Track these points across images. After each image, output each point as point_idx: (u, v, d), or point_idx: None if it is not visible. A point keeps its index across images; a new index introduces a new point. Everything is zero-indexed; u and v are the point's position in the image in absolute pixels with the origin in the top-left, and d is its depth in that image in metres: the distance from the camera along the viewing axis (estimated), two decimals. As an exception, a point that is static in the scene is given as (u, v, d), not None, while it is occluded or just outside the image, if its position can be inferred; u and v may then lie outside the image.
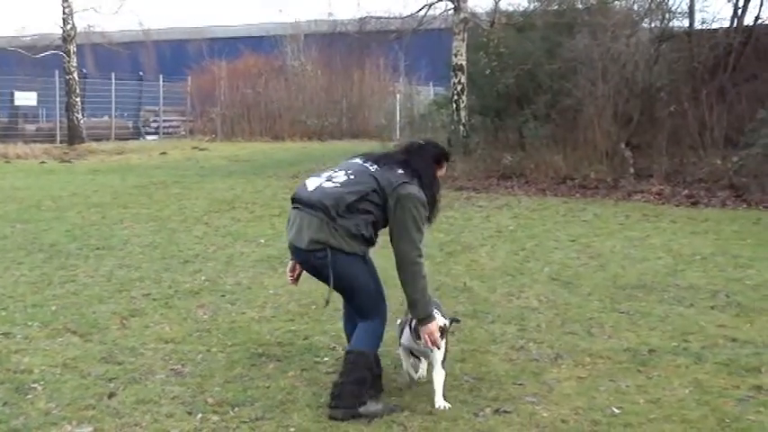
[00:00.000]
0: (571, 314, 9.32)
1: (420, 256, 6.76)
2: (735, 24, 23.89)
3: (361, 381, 6.44)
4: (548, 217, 16.84)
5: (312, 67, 45.12)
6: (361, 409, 6.29)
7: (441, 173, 6.99)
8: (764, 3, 24.20)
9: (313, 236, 6.55)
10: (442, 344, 6.59)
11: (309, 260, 6.83)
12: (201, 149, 36.10)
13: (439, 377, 6.60)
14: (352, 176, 6.66)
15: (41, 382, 6.98)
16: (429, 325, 6.57)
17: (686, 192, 19.51)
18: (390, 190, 6.58)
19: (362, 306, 6.98)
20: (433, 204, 6.82)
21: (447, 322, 6.80)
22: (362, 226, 6.66)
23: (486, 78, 24.21)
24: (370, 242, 6.85)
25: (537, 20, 24.88)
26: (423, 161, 6.89)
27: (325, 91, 44.61)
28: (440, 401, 6.47)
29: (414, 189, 6.64)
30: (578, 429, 6.06)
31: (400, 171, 6.71)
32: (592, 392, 6.83)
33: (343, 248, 6.62)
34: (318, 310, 9.41)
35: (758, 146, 19.31)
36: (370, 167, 6.71)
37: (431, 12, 25.63)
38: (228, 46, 50.20)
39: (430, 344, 6.56)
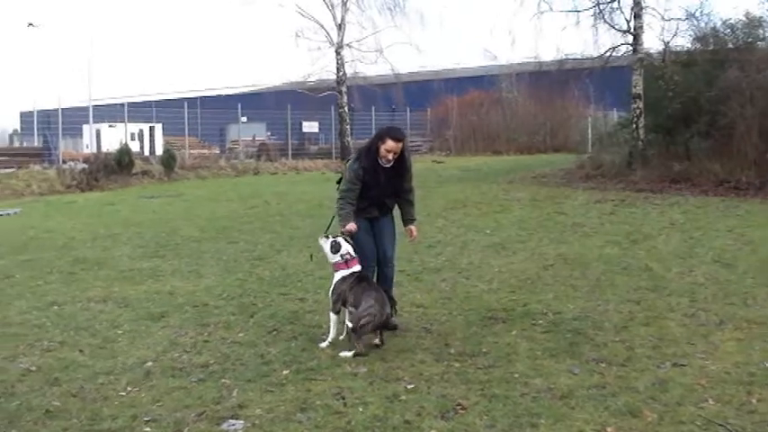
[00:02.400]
0: (731, 289, 9.00)
1: (340, 198, 7.53)
2: None
3: None
4: (709, 212, 16.26)
5: (522, 97, 44.77)
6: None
7: (386, 146, 7.30)
8: None
9: None
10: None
11: None
12: (439, 162, 36.27)
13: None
14: None
15: (328, 334, 7.16)
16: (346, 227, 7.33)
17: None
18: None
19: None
20: (371, 166, 7.39)
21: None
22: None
23: (658, 104, 23.60)
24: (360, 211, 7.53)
25: (698, 57, 24.10)
26: (368, 141, 7.78)
27: (532, 115, 44.22)
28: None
29: (349, 162, 7.73)
30: (738, 380, 5.87)
31: (354, 154, 7.99)
32: (748, 351, 6.61)
33: None
34: (533, 284, 9.41)
35: None
36: None
37: (615, 53, 25.11)
38: (458, 84, 50.31)
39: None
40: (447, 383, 5.90)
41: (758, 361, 6.32)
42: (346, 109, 38.24)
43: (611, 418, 5.18)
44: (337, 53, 37.40)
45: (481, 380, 5.95)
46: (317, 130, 45.85)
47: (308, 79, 38.10)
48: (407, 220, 7.91)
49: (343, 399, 5.59)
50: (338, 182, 7.75)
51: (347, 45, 37.74)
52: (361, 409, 5.39)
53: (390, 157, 7.34)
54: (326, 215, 16.07)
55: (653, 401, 5.45)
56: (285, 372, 6.20)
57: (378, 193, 7.51)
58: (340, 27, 37.26)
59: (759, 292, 8.78)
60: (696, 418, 5.16)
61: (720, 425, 5.04)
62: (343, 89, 37.75)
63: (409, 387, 5.81)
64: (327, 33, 37.40)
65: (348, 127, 38.42)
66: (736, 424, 5.05)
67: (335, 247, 7.16)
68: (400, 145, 7.33)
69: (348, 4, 37.23)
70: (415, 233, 7.96)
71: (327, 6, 37.20)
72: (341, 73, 37.56)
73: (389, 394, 5.67)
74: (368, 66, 38.84)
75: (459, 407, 5.39)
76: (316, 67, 38.12)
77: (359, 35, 38.39)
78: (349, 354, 6.60)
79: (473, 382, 5.92)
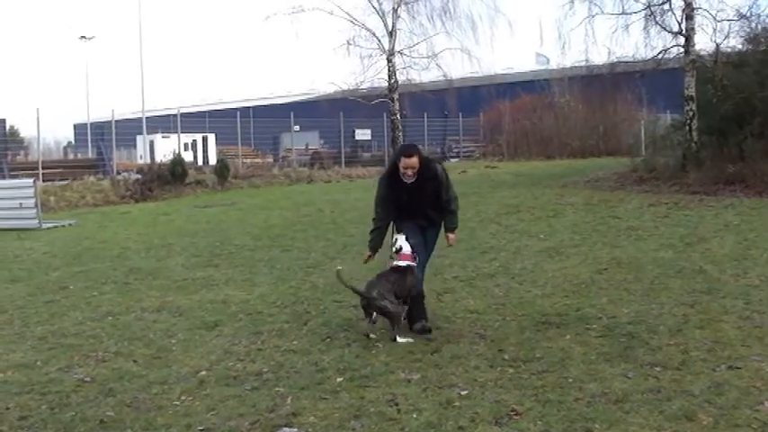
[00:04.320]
0: (786, 290, 8.89)
1: (373, 219, 8.02)
2: None
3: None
4: (765, 214, 15.98)
5: (574, 101, 44.47)
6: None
7: (401, 164, 7.55)
8: None
9: None
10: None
11: None
12: (492, 167, 36.19)
13: None
14: None
15: (382, 341, 7.25)
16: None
17: None
18: None
19: None
20: (393, 183, 7.73)
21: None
22: None
23: (711, 105, 23.33)
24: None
25: (750, 58, 23.79)
26: (389, 163, 8.32)
27: (585, 119, 43.91)
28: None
29: (378, 180, 8.18)
30: (795, 382, 5.79)
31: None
32: (805, 353, 6.52)
33: None
34: (587, 288, 9.35)
35: None
36: None
37: (666, 55, 24.86)
38: (510, 89, 50.20)
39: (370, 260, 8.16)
40: (501, 389, 5.88)
41: (815, 363, 6.21)
42: (398, 116, 38.23)
43: (665, 422, 5.14)
44: (389, 60, 37.43)
45: (535, 385, 5.93)
46: (369, 137, 46.07)
47: (360, 87, 38.18)
48: (448, 228, 8.05)
49: (397, 405, 5.60)
50: None
51: (398, 52, 37.77)
52: (414, 416, 5.40)
53: (410, 173, 7.55)
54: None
55: (708, 405, 5.39)
56: (339, 379, 6.23)
57: (412, 206, 7.76)
58: (391, 34, 37.30)
59: (816, 294, 8.64)
60: (752, 420, 5.10)
61: (777, 428, 4.99)
62: (395, 96, 37.77)
63: (463, 393, 5.81)
64: (379, 41, 37.47)
65: (400, 134, 38.42)
66: (792, 426, 4.99)
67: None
68: (413, 159, 7.52)
69: (399, 11, 37.30)
70: (452, 239, 8.13)
71: (378, 14, 37.28)
72: (392, 80, 37.58)
73: (443, 400, 5.66)
74: (419, 72, 38.85)
75: (513, 412, 5.38)
76: (367, 74, 38.20)
77: (410, 42, 38.40)
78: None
79: (527, 387, 5.90)
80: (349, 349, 7.09)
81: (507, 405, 5.52)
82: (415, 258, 7.63)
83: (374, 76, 38.21)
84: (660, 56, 24.99)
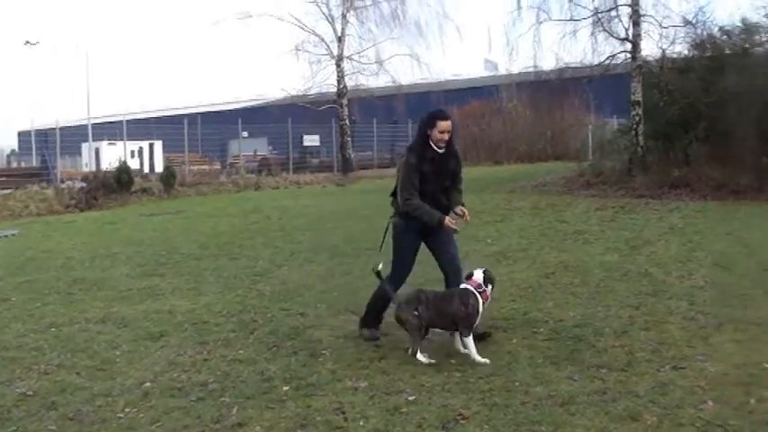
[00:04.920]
0: (730, 291, 9.05)
1: (407, 199, 7.24)
2: None
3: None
4: (708, 217, 16.32)
5: (522, 107, 44.81)
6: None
7: (438, 128, 7.18)
8: None
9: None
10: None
11: None
12: (441, 173, 36.25)
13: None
14: None
15: (329, 350, 7.22)
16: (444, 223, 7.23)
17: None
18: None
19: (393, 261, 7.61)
20: (426, 154, 7.24)
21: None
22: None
23: (657, 110, 23.67)
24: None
25: (695, 64, 24.18)
26: (417, 134, 7.47)
27: (533, 125, 44.24)
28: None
29: (403, 158, 7.52)
30: (737, 381, 5.90)
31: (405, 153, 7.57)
32: (747, 352, 6.64)
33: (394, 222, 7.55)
34: (534, 292, 9.43)
35: None
36: None
37: (613, 61, 25.18)
38: (458, 95, 50.42)
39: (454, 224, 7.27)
40: (448, 394, 5.90)
41: (757, 362, 6.35)
42: (347, 121, 38.36)
43: (611, 423, 5.20)
44: (338, 66, 37.56)
45: (482, 389, 5.96)
46: (318, 143, 45.98)
47: (309, 92, 38.21)
48: (459, 202, 7.55)
49: (344, 413, 5.59)
50: (392, 194, 7.62)
51: (347, 57, 37.93)
52: (361, 423, 5.40)
53: (446, 137, 7.24)
54: (328, 228, 16.30)
55: (653, 405, 5.47)
56: (285, 388, 6.19)
57: (435, 187, 7.34)
58: (340, 40, 37.44)
59: (757, 294, 8.86)
60: (696, 420, 5.19)
61: (719, 426, 5.07)
62: (344, 102, 37.89)
63: (410, 399, 5.81)
64: (327, 46, 37.61)
65: (349, 139, 38.58)
66: (735, 425, 5.08)
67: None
68: (449, 123, 7.25)
69: (348, 16, 37.42)
70: (467, 213, 7.53)
71: (327, 19, 37.42)
72: (341, 85, 37.72)
73: (390, 407, 5.67)
74: (368, 78, 38.99)
75: (460, 417, 5.41)
76: (316, 80, 38.28)
77: (359, 47, 38.61)
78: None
79: (474, 391, 5.92)
80: (296, 358, 7.04)
81: (454, 409, 5.54)
82: (481, 290, 6.95)
83: (323, 82, 38.32)
84: (607, 61, 25.30)
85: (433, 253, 7.70)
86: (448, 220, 7.21)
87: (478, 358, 6.65)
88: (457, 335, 6.97)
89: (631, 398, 5.62)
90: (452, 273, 7.54)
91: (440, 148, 7.26)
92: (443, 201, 7.44)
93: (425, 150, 7.26)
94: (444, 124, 7.19)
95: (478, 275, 7.01)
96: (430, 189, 7.30)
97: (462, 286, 7.02)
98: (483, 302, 6.90)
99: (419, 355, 6.77)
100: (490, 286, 7.02)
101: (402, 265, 7.53)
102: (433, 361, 6.69)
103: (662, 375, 6.11)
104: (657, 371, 6.20)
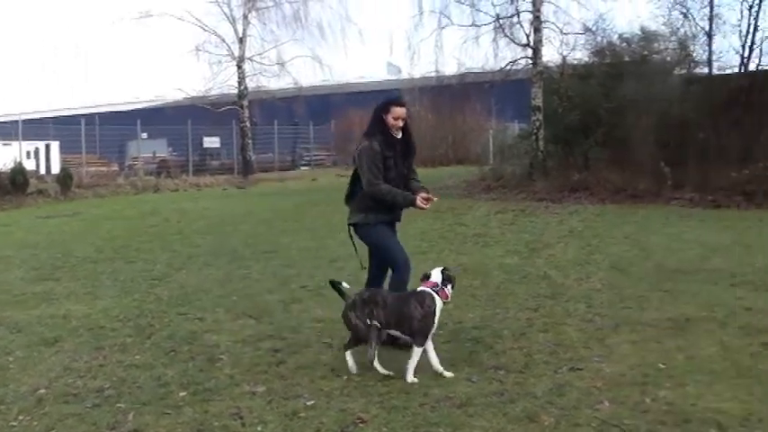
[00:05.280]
0: (626, 293, 9.22)
1: (375, 184, 6.98)
2: (743, 70, 23.64)
3: None
4: (607, 220, 16.67)
5: (424, 111, 45.10)
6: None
7: (392, 114, 7.05)
8: (762, 54, 24.14)
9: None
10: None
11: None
12: (343, 176, 36.18)
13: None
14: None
15: (226, 354, 7.11)
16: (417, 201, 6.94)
17: (711, 198, 19.26)
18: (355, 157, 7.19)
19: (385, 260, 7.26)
20: (387, 139, 7.05)
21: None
22: (363, 200, 7.16)
23: (557, 116, 24.12)
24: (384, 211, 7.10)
25: (595, 70, 24.71)
26: (371, 119, 7.24)
27: (435, 129, 44.60)
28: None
29: (362, 146, 7.13)
30: (632, 381, 6.00)
31: (360, 141, 7.29)
32: (643, 352, 6.77)
33: (357, 222, 7.28)
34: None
35: (763, 161, 19.37)
36: None
37: (515, 66, 25.55)
38: (361, 98, 50.53)
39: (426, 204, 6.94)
40: (347, 397, 5.86)
41: (652, 362, 6.47)
42: (248, 123, 38.11)
43: (508, 424, 5.22)
44: (238, 67, 37.31)
45: (381, 392, 5.93)
46: (218, 145, 45.51)
47: (209, 94, 37.87)
48: (420, 188, 7.26)
49: (242, 419, 5.50)
50: (348, 195, 7.44)
51: (248, 59, 37.69)
52: (259, 429, 5.33)
53: (400, 124, 7.11)
54: (227, 232, 16.11)
55: (550, 406, 5.51)
56: (182, 393, 6.07)
57: (397, 174, 7.12)
58: (241, 41, 37.20)
59: (653, 296, 9.05)
60: (592, 420, 5.24)
61: (615, 425, 5.13)
62: (245, 103, 37.66)
63: (309, 403, 5.75)
64: (229, 47, 37.34)
65: (250, 141, 38.32)
66: (630, 424, 5.14)
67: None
68: (404, 109, 7.13)
69: (249, 17, 37.18)
70: (433, 194, 7.15)
71: (229, 20, 37.12)
72: (242, 87, 37.49)
73: (288, 412, 5.59)
74: (270, 79, 38.81)
75: (358, 420, 5.36)
76: (217, 81, 37.95)
77: (260, 49, 38.41)
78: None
79: (373, 394, 5.89)
80: (193, 363, 6.92)
81: (353, 413, 5.50)
82: (440, 291, 6.53)
83: (224, 83, 37.98)
84: (508, 67, 25.72)
85: None
86: (419, 198, 6.96)
87: (411, 377, 6.21)
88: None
89: (529, 399, 5.66)
90: (407, 270, 7.26)
91: (396, 133, 7.15)
92: (406, 189, 7.23)
93: (387, 136, 7.11)
94: (399, 110, 7.09)
95: (436, 275, 6.67)
96: (393, 176, 7.11)
97: (419, 289, 6.59)
98: (443, 302, 6.55)
99: (377, 365, 6.37)
100: (450, 285, 6.64)
101: (396, 256, 7.20)
102: (391, 373, 6.29)
103: (559, 377, 6.17)
104: (555, 372, 6.26)
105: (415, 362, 6.27)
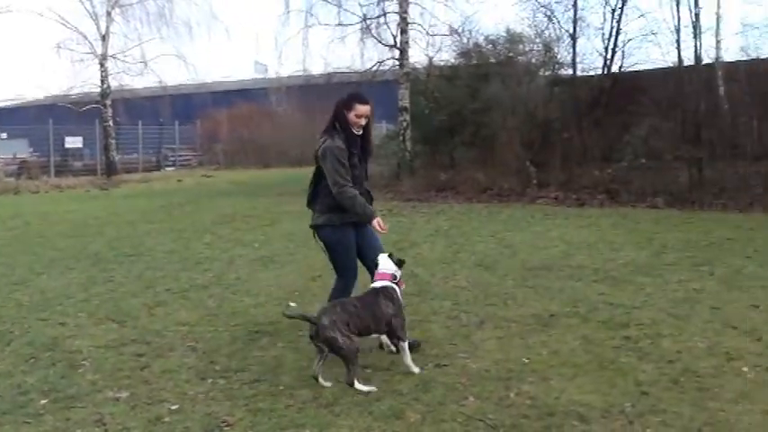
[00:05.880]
0: (492, 290, 9.41)
1: (342, 186, 6.62)
2: (605, 72, 24.38)
3: None
4: (473, 219, 16.94)
5: (291, 110, 44.99)
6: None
7: (355, 112, 6.76)
8: (625, 56, 24.99)
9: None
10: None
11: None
12: (209, 177, 35.94)
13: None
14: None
15: (89, 360, 6.96)
16: (374, 221, 6.66)
17: (575, 196, 19.81)
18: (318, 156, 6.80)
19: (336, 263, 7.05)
20: (350, 137, 6.76)
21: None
22: (326, 199, 6.83)
23: (424, 116, 24.38)
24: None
25: (462, 71, 25.07)
26: (332, 115, 6.89)
27: (302, 128, 44.48)
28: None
29: (325, 145, 6.72)
30: (498, 376, 6.13)
31: (321, 138, 6.87)
32: (507, 348, 6.92)
33: (322, 224, 6.88)
34: (301, 295, 9.44)
35: (625, 161, 20.11)
36: None
37: (382, 67, 25.69)
38: (227, 97, 50.18)
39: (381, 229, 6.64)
40: (212, 401, 5.81)
41: (516, 357, 6.63)
42: (111, 123, 37.26)
43: (374, 422, 5.26)
44: (101, 65, 36.40)
45: (246, 395, 5.90)
46: (81, 145, 44.38)
47: (71, 92, 36.89)
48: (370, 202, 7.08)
49: (105, 425, 5.40)
50: (314, 181, 7.07)
51: (112, 56, 36.83)
52: (123, 435, 5.24)
53: (363, 122, 6.81)
54: (90, 235, 15.73)
55: (416, 402, 5.59)
56: (43, 401, 5.91)
57: (360, 173, 6.88)
58: (104, 38, 36.28)
59: (518, 293, 9.25)
60: (457, 415, 5.33)
61: (480, 420, 5.23)
62: (108, 102, 36.78)
63: (173, 408, 5.68)
64: (91, 44, 36.37)
65: (113, 141, 37.46)
66: (495, 418, 5.25)
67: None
68: (368, 107, 6.83)
69: (113, 14, 36.35)
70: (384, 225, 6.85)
71: (91, 17, 36.17)
72: (105, 85, 36.60)
73: (152, 417, 5.52)
74: (134, 78, 38.07)
75: (224, 424, 5.33)
76: (79, 79, 37.00)
77: (124, 46, 37.59)
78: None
79: (238, 397, 5.86)
80: (54, 369, 6.74)
81: (218, 417, 5.46)
82: (395, 279, 6.52)
83: (86, 81, 37.07)
84: (375, 68, 25.81)
85: (357, 247, 7.04)
86: (377, 222, 6.69)
87: (412, 365, 6.27)
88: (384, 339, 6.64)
89: (395, 396, 5.72)
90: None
91: (357, 131, 6.87)
92: (367, 190, 7.07)
93: (348, 133, 6.81)
94: (363, 108, 6.79)
95: (389, 264, 6.55)
96: (357, 173, 6.83)
97: (379, 284, 6.43)
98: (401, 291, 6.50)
99: (358, 384, 5.94)
100: (400, 271, 6.57)
101: (348, 269, 7.00)
102: (373, 388, 5.92)
103: (425, 374, 6.24)
104: (421, 369, 6.33)
105: (409, 355, 6.31)
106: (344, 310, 6.14)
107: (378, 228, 6.67)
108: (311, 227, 7.05)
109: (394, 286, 6.43)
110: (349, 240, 6.91)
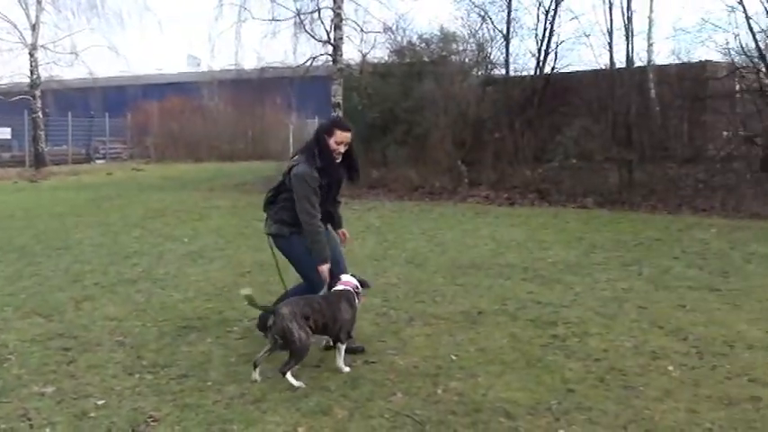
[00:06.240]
0: (421, 287, 9.49)
1: (312, 217, 6.56)
2: (538, 72, 24.65)
3: None
4: (404, 216, 17.04)
5: (224, 105, 44.75)
6: None
7: (336, 139, 6.67)
8: (557, 57, 25.33)
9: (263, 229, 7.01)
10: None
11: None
12: (139, 170, 35.54)
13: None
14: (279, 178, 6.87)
15: (14, 354, 6.85)
16: (321, 267, 6.60)
17: (506, 195, 20.03)
18: (288, 174, 6.69)
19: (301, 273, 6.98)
20: (328, 166, 6.66)
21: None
22: (282, 212, 6.76)
23: (357, 113, 24.36)
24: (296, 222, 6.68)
25: (395, 69, 25.15)
26: (313, 139, 6.79)
27: (234, 123, 44.33)
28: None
29: (299, 169, 6.59)
30: (425, 373, 6.19)
31: (296, 156, 6.80)
32: (436, 345, 6.98)
33: (274, 233, 6.87)
34: (229, 291, 9.40)
35: (556, 161, 20.51)
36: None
37: (315, 62, 25.66)
38: (159, 90, 49.70)
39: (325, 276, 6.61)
40: (139, 396, 5.77)
41: (444, 354, 6.70)
42: (41, 114, 36.65)
43: (302, 418, 5.27)
44: (31, 55, 35.76)
45: (174, 390, 5.88)
46: (9, 136, 43.59)
47: (0, 82, 36.22)
48: (341, 225, 7.33)
49: (30, 420, 5.33)
50: (271, 199, 7.00)
51: (42, 47, 36.20)
52: (48, 430, 5.18)
53: (342, 150, 6.73)
54: (17, 227, 15.47)
55: (344, 399, 5.62)
56: (-36, 398, 5.83)
57: (328, 199, 6.82)
58: (34, 27, 35.65)
59: (447, 290, 9.35)
60: (385, 411, 5.37)
61: (407, 416, 5.27)
62: (38, 93, 36.15)
63: (99, 403, 5.63)
64: (20, 34, 35.70)
65: (43, 133, 36.84)
66: (422, 414, 5.30)
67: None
68: (350, 135, 6.77)
69: (43, 3, 35.72)
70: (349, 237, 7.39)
71: (21, 5, 35.50)
72: (35, 76, 35.96)
73: (78, 412, 5.46)
74: (64, 69, 37.48)
75: (150, 419, 5.30)
76: (8, 69, 36.34)
77: (54, 36, 36.96)
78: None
79: (165, 393, 5.83)
80: (-22, 365, 6.66)
81: (145, 412, 5.43)
82: (358, 291, 6.62)
83: (16, 72, 36.40)
84: (308, 63, 25.76)
85: None
86: (324, 270, 6.62)
87: (343, 366, 6.28)
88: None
89: (323, 393, 5.74)
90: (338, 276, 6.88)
91: (337, 157, 6.79)
92: (334, 213, 7.12)
93: (326, 160, 6.69)
94: (344, 135, 6.72)
95: (348, 278, 6.66)
96: (324, 201, 6.75)
97: (342, 287, 6.51)
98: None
99: (290, 376, 5.93)
100: (361, 289, 6.65)
101: (310, 276, 6.84)
102: (302, 384, 5.90)
103: (353, 370, 6.28)
104: (349, 366, 6.35)
105: (343, 356, 6.33)
106: (308, 304, 6.18)
107: (323, 274, 6.64)
108: (266, 234, 7.05)
109: (354, 294, 6.54)
110: (303, 247, 6.75)
